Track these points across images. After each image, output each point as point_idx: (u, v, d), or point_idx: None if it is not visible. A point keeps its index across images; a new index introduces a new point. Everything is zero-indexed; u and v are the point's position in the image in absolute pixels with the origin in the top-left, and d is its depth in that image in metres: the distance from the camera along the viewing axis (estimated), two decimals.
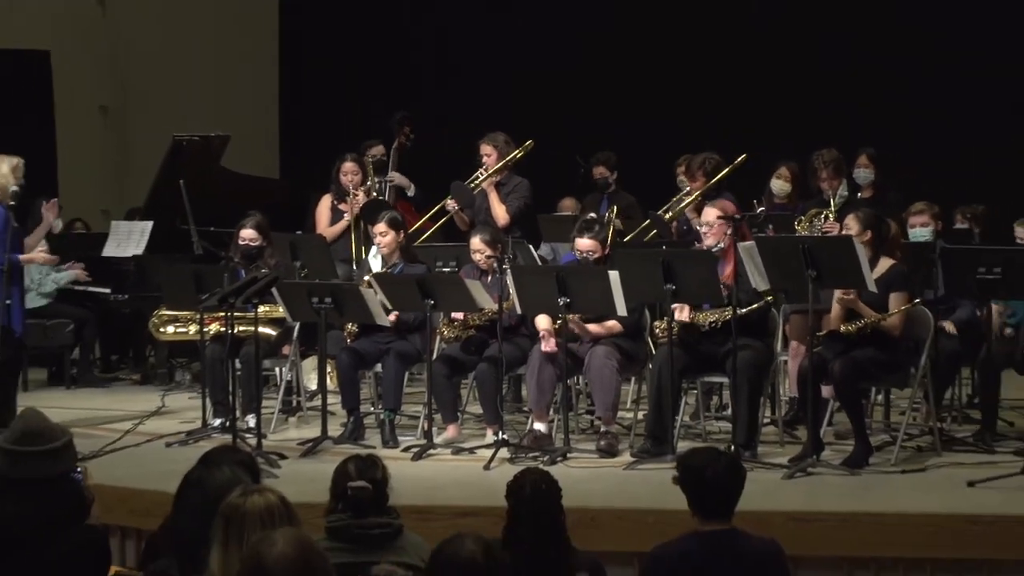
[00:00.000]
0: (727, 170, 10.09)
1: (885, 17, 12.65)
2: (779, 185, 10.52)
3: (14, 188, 9.25)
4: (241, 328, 9.15)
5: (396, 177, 11.46)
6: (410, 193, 11.49)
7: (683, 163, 10.68)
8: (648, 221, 10.40)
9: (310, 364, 10.08)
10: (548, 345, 8.56)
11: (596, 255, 8.73)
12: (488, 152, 10.45)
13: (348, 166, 10.92)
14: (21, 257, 9.73)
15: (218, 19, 15.10)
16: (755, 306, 8.36)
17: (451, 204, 10.63)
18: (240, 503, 4.25)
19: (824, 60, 12.72)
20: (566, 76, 13.80)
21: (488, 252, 8.96)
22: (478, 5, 14.17)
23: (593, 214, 10.31)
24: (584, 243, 8.77)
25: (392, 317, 8.97)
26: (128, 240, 11.84)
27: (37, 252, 10.40)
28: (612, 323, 8.60)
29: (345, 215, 10.76)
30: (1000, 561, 6.85)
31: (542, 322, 8.66)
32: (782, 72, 12.71)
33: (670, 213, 10.21)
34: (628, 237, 10.52)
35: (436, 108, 12.75)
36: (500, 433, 8.61)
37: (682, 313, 8.36)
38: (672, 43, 13.41)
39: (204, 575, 4.19)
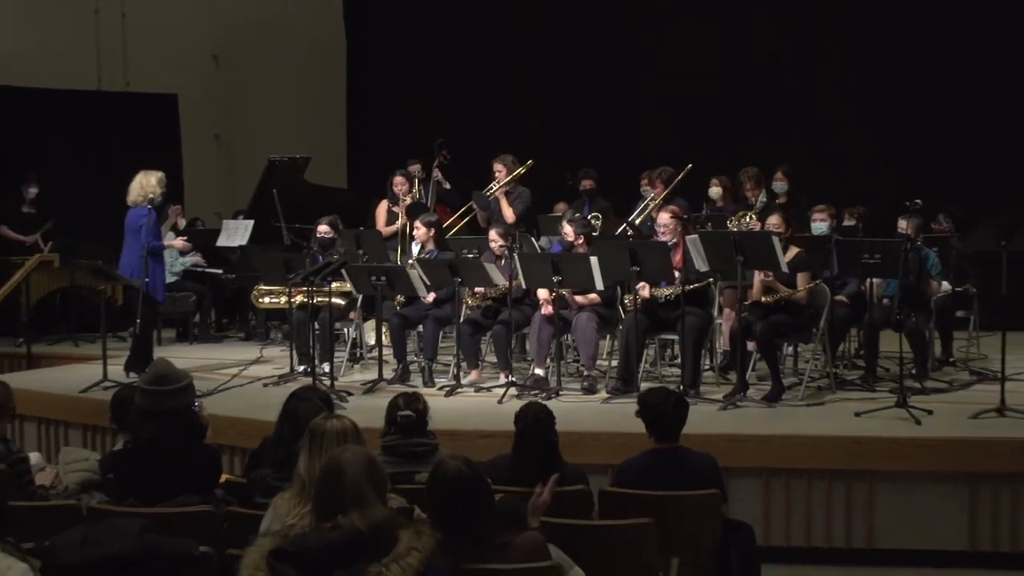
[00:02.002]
0: (679, 177, 10.10)
1: (798, 64, 12.63)
2: (714, 191, 10.53)
3: (153, 196, 9.26)
4: (319, 298, 9.15)
5: (437, 173, 11.46)
6: (446, 186, 11.46)
7: (646, 176, 10.67)
8: (625, 226, 10.30)
9: (370, 325, 10.09)
10: (546, 310, 8.58)
11: (570, 238, 8.80)
12: (499, 168, 10.44)
13: (398, 179, 10.95)
14: (165, 242, 9.77)
15: (301, 68, 15.10)
16: (698, 284, 8.38)
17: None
18: (323, 424, 4.28)
19: (749, 98, 12.70)
20: (560, 111, 13.79)
21: (501, 242, 8.97)
22: (496, 57, 14.16)
23: (578, 214, 10.33)
24: (565, 228, 8.94)
25: (431, 298, 9.05)
26: (235, 234, 11.85)
27: (177, 240, 10.45)
28: (593, 295, 8.60)
29: (400, 216, 10.79)
30: (877, 471, 6.88)
31: (541, 294, 8.67)
32: (720, 107, 12.70)
33: (641, 217, 10.20)
34: (618, 231, 10.46)
35: (463, 132, 12.72)
36: (510, 376, 8.63)
37: (644, 290, 8.38)
38: (634, 90, 13.43)
39: (292, 479, 4.22)
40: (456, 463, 3.97)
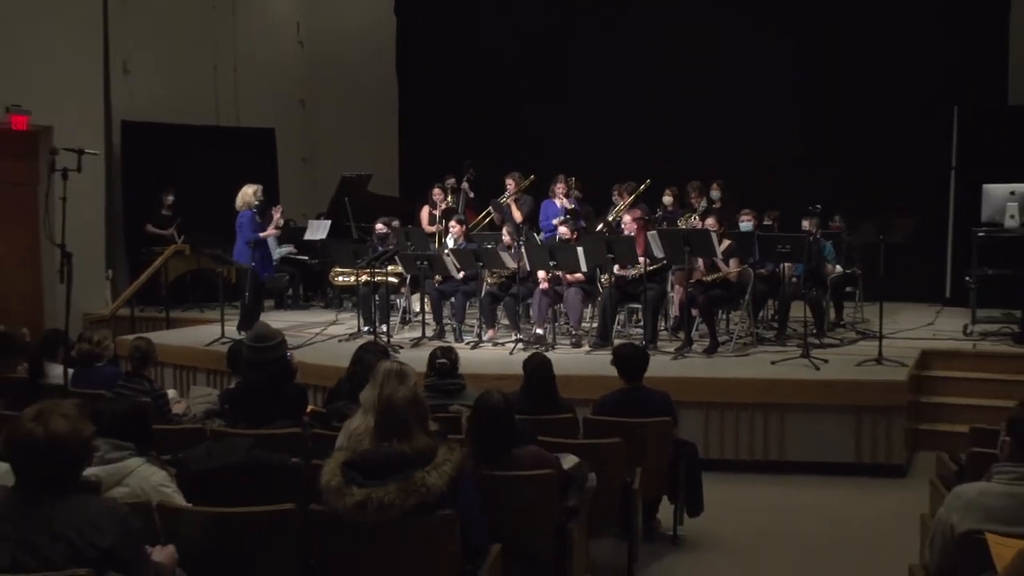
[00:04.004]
0: (640, 190, 10.05)
1: (732, 96, 12.51)
2: (667, 199, 10.43)
3: (252, 203, 9.31)
4: (378, 277, 9.16)
5: (467, 187, 11.38)
6: (471, 195, 11.41)
7: (616, 188, 10.61)
8: (602, 225, 10.23)
9: (416, 297, 10.10)
10: (544, 286, 8.56)
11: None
12: (510, 182, 10.47)
13: (437, 190, 10.90)
14: (264, 233, 9.77)
15: (364, 108, 15.03)
16: (656, 266, 8.36)
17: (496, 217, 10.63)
18: (382, 366, 4.28)
19: (693, 124, 12.61)
20: (554, 139, 13.71)
21: (512, 236, 8.97)
22: (508, 99, 14.07)
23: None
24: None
25: (461, 275, 9.02)
26: (318, 230, 11.88)
27: (270, 229, 10.44)
28: (579, 275, 8.59)
29: (438, 218, 10.74)
30: (787, 404, 6.89)
31: (541, 274, 8.65)
32: (671, 132, 12.60)
33: (612, 216, 10.15)
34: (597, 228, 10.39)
35: (485, 154, 12.65)
36: (518, 334, 8.62)
37: (618, 270, 8.36)
38: (605, 117, 13.32)
39: (359, 408, 4.22)
40: (498, 395, 3.96)
